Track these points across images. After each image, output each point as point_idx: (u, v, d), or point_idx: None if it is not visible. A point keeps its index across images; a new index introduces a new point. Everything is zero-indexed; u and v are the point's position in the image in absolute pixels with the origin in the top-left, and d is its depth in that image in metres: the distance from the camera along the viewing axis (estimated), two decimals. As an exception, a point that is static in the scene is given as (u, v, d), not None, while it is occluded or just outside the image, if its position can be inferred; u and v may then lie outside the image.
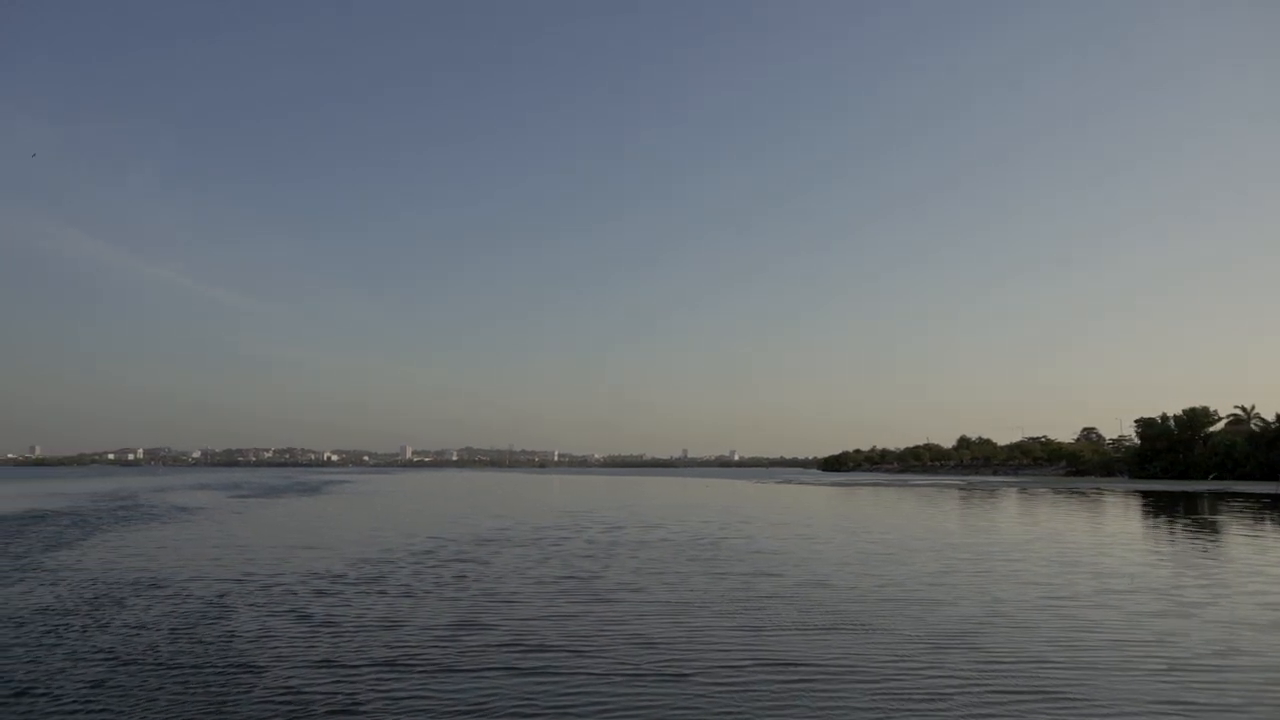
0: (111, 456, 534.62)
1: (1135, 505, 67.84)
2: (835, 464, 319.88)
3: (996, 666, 13.91)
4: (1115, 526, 45.98)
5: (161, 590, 21.53)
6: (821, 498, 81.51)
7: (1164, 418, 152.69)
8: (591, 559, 28.75)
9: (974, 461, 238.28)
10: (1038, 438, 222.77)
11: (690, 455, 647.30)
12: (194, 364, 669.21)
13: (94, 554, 29.57)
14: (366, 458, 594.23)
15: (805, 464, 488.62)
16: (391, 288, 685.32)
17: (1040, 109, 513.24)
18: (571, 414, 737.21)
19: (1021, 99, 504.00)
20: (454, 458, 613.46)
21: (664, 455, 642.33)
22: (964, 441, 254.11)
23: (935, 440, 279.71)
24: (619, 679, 13.09)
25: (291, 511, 56.94)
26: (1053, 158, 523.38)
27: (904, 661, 14.27)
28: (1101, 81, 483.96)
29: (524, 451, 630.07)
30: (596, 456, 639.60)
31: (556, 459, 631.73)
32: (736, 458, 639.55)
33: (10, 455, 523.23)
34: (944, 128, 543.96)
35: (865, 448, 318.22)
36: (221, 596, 20.51)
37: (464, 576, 24.13)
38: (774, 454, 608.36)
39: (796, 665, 13.97)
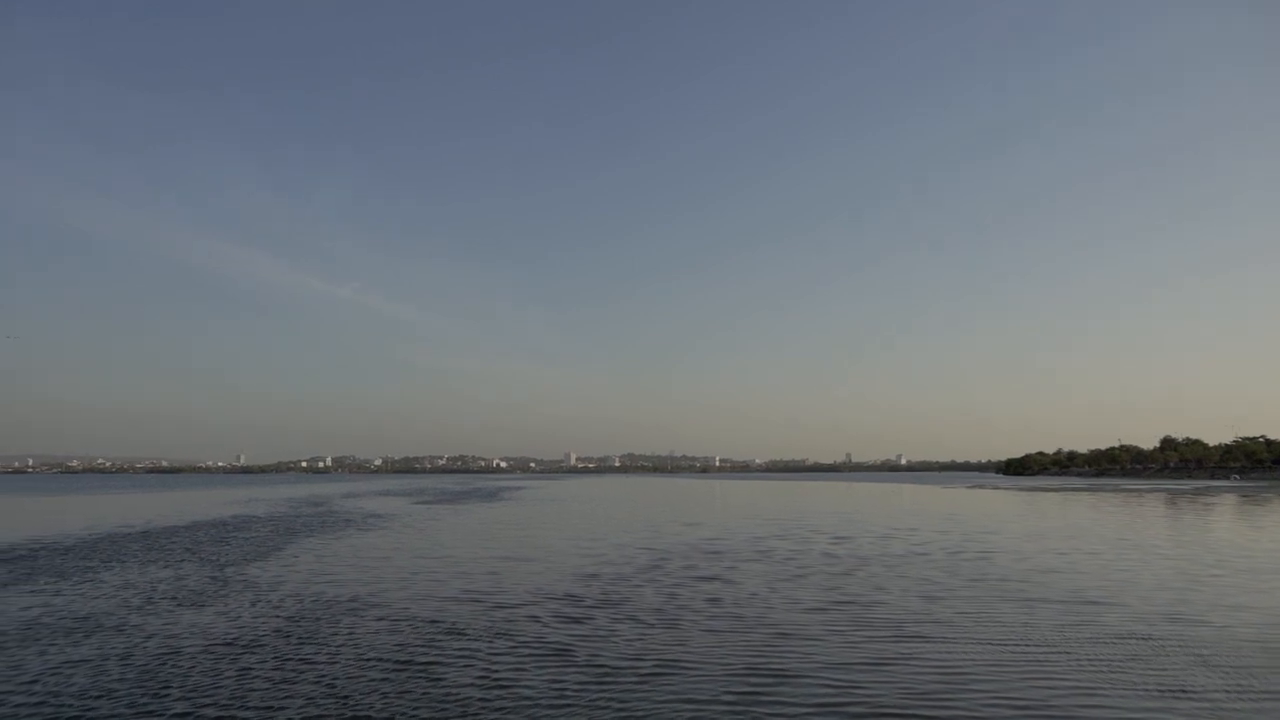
0: (304, 464, 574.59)
1: None
2: (1018, 467, 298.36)
3: None
4: None
5: (379, 611, 18.87)
6: (1043, 504, 73.25)
7: None
8: (847, 576, 24.42)
9: (1182, 464, 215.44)
10: (1255, 437, 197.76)
11: (854, 460, 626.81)
12: (375, 377, 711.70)
13: (299, 564, 27.90)
14: (533, 464, 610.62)
15: (980, 468, 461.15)
16: (558, 301, 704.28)
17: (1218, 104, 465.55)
18: (732, 419, 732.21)
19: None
20: (616, 463, 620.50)
21: (827, 460, 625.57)
22: (1168, 442, 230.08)
23: (1130, 442, 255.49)
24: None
25: (483, 518, 55.53)
26: (1232, 156, 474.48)
27: None
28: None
29: (684, 457, 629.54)
30: (758, 461, 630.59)
31: (718, 464, 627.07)
32: (904, 462, 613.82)
33: (220, 463, 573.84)
34: (1100, 120, 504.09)
35: (1039, 450, 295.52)
36: (453, 622, 17.54)
37: (717, 600, 20.32)
38: (943, 458, 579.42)
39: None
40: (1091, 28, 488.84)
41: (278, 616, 18.21)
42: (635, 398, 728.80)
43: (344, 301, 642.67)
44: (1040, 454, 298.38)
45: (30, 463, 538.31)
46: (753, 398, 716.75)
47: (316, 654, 14.62)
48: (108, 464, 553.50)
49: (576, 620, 17.71)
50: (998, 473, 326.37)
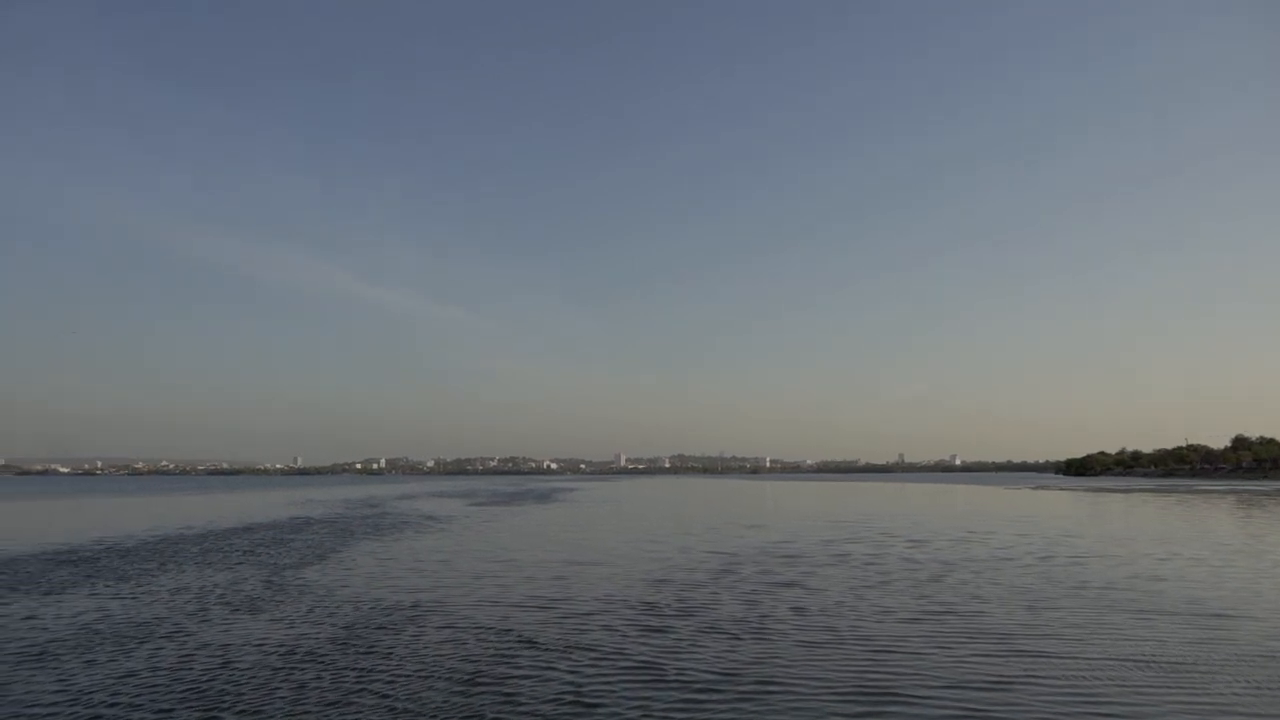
0: (359, 466, 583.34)
1: None
2: (1079, 468, 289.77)
3: None
4: None
5: (443, 619, 17.79)
6: (1117, 506, 70.12)
7: None
8: (935, 583, 22.86)
9: (1256, 464, 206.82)
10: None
11: (907, 460, 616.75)
12: (427, 379, 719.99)
13: (357, 568, 27.12)
14: (583, 465, 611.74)
15: (1037, 469, 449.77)
16: (607, 304, 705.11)
17: None
18: (781, 419, 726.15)
19: None
20: (666, 464, 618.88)
21: (879, 460, 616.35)
22: (1241, 441, 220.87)
23: (1196, 441, 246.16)
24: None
25: (539, 520, 54.70)
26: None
27: None
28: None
29: (734, 458, 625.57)
30: (809, 462, 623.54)
31: (768, 465, 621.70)
32: (958, 462, 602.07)
33: (278, 465, 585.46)
34: (1176, 113, 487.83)
35: (1100, 450, 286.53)
36: (524, 631, 16.41)
37: (803, 609, 18.92)
38: (998, 458, 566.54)
39: None
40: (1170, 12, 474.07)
41: (335, 624, 17.26)
42: (684, 398, 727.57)
43: (396, 306, 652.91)
44: (1102, 454, 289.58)
45: (99, 465, 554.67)
46: (802, 397, 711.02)
47: (377, 666, 13.59)
48: (171, 466, 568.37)
49: (656, 630, 16.47)
50: (1057, 473, 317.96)
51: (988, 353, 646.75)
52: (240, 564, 28.05)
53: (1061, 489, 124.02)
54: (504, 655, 14.37)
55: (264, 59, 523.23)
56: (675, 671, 13.21)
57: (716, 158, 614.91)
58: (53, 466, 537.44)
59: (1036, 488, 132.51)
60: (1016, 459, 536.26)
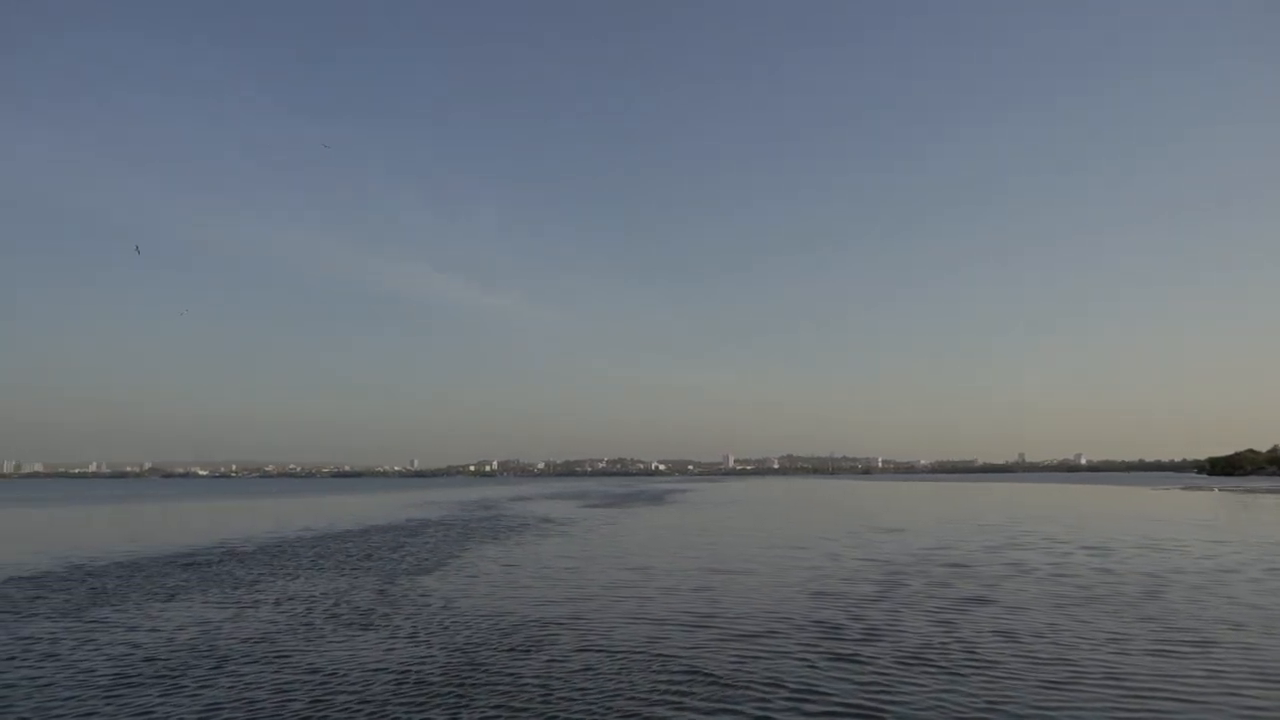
0: (472, 468, 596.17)
1: None
2: (1226, 466, 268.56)
3: None
4: None
5: (582, 639, 15.26)
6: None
7: None
8: (1151, 600, 19.19)
9: None
10: None
11: (1028, 459, 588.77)
12: (536, 382, 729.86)
13: (478, 576, 25.08)
14: (691, 466, 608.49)
15: (1174, 468, 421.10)
16: (713, 305, 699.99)
17: None
18: (894, 418, 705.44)
19: None
20: (774, 465, 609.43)
21: (998, 460, 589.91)
22: None
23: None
24: None
25: (659, 523, 52.28)
26: None
27: None
28: None
29: (845, 458, 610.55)
30: (922, 462, 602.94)
31: (880, 465, 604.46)
32: (1084, 461, 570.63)
33: (395, 467, 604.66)
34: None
35: (1248, 447, 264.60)
36: (689, 658, 13.73)
37: (1010, 634, 15.63)
38: (1129, 456, 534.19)
39: None
40: None
41: (453, 645, 14.93)
42: (792, 398, 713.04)
43: (504, 311, 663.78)
44: (1252, 451, 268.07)
45: (234, 467, 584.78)
46: (914, 394, 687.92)
47: (510, 704, 11.17)
48: (298, 468, 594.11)
49: (846, 660, 13.55)
50: (1199, 472, 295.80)
51: (1115, 347, 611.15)
52: (354, 570, 26.42)
53: (1220, 489, 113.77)
54: (670, 690, 11.74)
55: (371, 96, 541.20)
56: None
57: (813, 140, 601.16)
58: (193, 469, 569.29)
59: (1187, 488, 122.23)
60: (1149, 458, 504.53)
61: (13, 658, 14.31)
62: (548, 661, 13.63)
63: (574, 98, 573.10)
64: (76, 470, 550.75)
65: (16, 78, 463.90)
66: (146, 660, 13.99)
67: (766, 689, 11.77)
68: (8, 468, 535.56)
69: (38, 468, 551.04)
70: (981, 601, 19.22)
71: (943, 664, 13.23)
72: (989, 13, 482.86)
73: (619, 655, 14.04)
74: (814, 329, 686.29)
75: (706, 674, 12.66)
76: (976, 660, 13.48)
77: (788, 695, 11.42)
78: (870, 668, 12.97)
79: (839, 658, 13.65)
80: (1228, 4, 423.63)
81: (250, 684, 12.33)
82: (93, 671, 13.23)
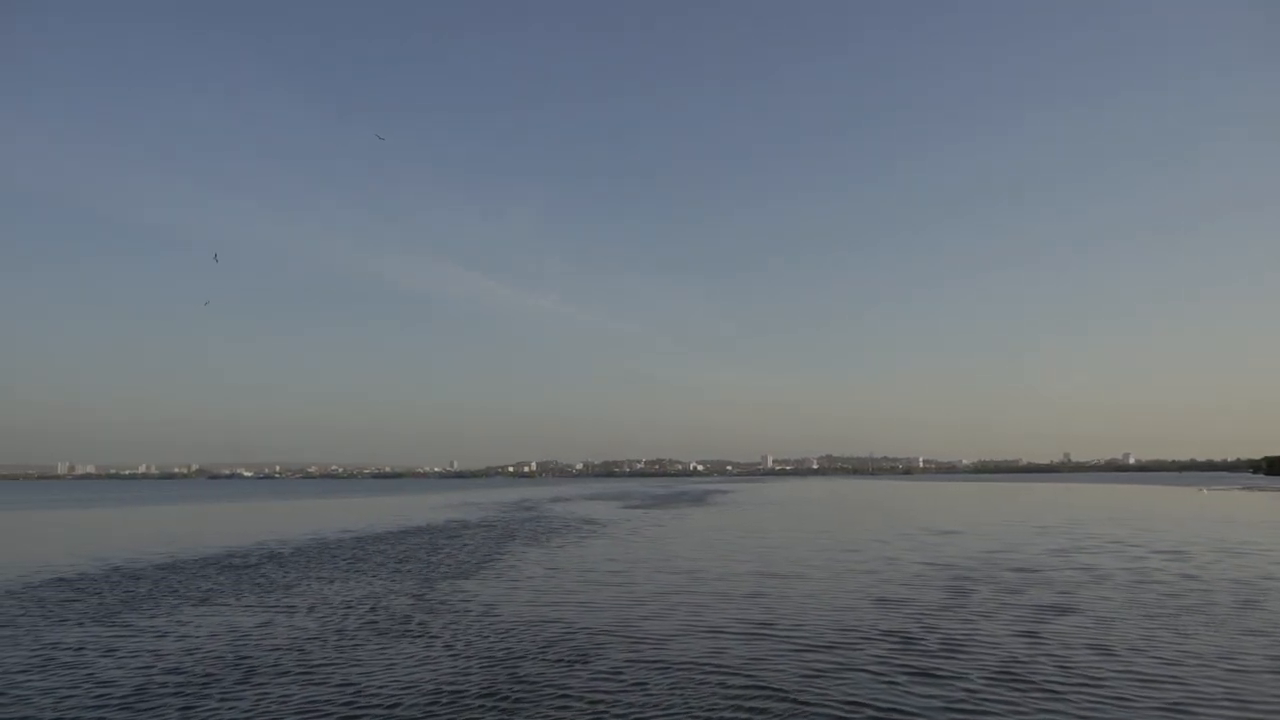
0: (510, 469, 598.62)
1: None
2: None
3: None
4: None
5: (636, 651, 14.11)
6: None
7: None
8: (1253, 610, 17.61)
9: None
10: None
11: (1074, 459, 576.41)
12: (572, 383, 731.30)
13: (520, 580, 24.08)
14: (729, 467, 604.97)
15: (1227, 468, 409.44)
16: (751, 304, 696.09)
17: None
18: (935, 417, 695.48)
19: None
20: (814, 465, 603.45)
21: (1042, 460, 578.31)
22: None
23: None
24: None
25: (703, 524, 51.02)
26: None
27: None
28: None
29: (885, 458, 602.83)
30: (965, 462, 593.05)
31: (921, 465, 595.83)
32: (1132, 461, 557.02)
33: (435, 468, 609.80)
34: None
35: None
36: (756, 671, 12.54)
37: (1104, 648, 14.17)
38: (1179, 456, 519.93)
39: None
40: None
41: (494, 657, 13.84)
42: (830, 397, 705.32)
43: (544, 313, 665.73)
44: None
45: (278, 468, 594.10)
46: (956, 393, 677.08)
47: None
48: (340, 469, 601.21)
49: (929, 676, 12.22)
50: (1255, 472, 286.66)
51: (1163, 344, 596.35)
52: (391, 574, 25.53)
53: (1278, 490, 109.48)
54: (737, 710, 10.55)
55: (410, 96, 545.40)
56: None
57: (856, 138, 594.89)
58: (238, 470, 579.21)
59: (1246, 488, 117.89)
60: (1201, 457, 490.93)
61: (30, 668, 13.54)
62: (597, 676, 12.52)
63: (606, 96, 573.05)
64: (127, 472, 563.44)
65: (70, 69, 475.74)
66: (170, 672, 13.12)
67: (846, 709, 10.54)
68: (62, 469, 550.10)
69: (90, 469, 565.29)
70: (1062, 610, 17.74)
71: (1038, 682, 11.88)
72: (1030, 11, 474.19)
73: (675, 668, 12.88)
74: (854, 327, 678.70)
75: (775, 690, 11.45)
76: (1074, 677, 12.10)
77: (872, 718, 10.17)
78: (957, 685, 11.66)
79: (920, 673, 12.34)
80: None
81: (275, 700, 11.39)
82: (111, 684, 12.38)
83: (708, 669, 12.82)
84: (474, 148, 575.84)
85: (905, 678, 12.09)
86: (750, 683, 11.96)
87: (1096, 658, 13.39)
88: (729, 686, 11.78)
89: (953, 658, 13.40)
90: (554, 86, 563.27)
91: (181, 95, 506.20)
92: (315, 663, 13.60)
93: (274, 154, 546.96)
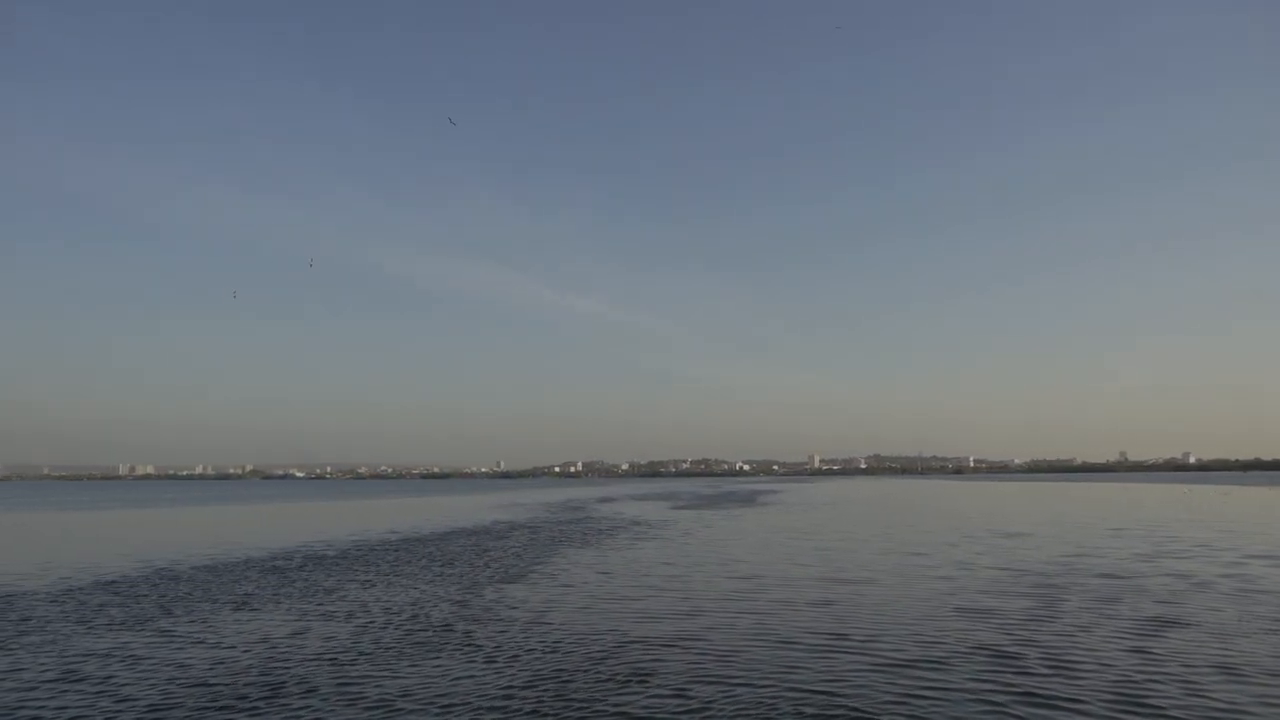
0: (557, 469, 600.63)
1: None
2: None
3: None
4: None
5: (704, 665, 12.72)
6: None
7: None
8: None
9: None
10: None
11: (1130, 458, 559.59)
12: (618, 384, 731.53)
13: (571, 584, 22.89)
14: (776, 467, 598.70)
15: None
16: (796, 302, 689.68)
17: None
18: (986, 416, 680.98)
19: None
20: (861, 465, 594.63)
21: (1097, 459, 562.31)
22: None
23: None
24: None
25: (757, 525, 49.43)
26: None
27: None
28: None
29: (934, 458, 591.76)
30: (1017, 461, 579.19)
31: (971, 464, 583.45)
32: (1193, 460, 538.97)
33: (483, 469, 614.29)
34: None
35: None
36: (844, 693, 11.04)
37: (1233, 669, 12.41)
38: (1242, 455, 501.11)
39: None
40: None
41: (542, 672, 12.61)
42: (878, 396, 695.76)
43: (587, 313, 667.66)
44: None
45: (329, 469, 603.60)
46: (1008, 391, 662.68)
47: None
48: (389, 470, 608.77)
49: (1044, 702, 10.62)
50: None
51: (1224, 340, 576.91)
52: (435, 578, 24.43)
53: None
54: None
55: (455, 89, 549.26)
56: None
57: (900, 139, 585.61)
58: (290, 471, 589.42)
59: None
60: (1266, 456, 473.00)
61: (49, 681, 12.61)
62: (656, 696, 11.20)
63: (654, 89, 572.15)
64: (184, 472, 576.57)
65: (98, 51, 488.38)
66: (195, 686, 12.09)
67: (952, 745, 9.07)
68: (123, 470, 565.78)
69: (149, 470, 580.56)
70: (1170, 624, 15.97)
71: (1166, 708, 10.27)
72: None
73: (744, 687, 11.51)
74: (902, 324, 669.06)
75: (859, 712, 10.03)
76: (1207, 704, 10.46)
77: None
78: (1078, 711, 10.10)
79: (1031, 696, 10.79)
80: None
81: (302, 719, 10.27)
82: (127, 700, 11.37)
83: (781, 688, 11.43)
84: (522, 149, 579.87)
85: (1016, 703, 10.54)
86: (831, 703, 10.55)
87: (1226, 681, 11.70)
88: (807, 708, 10.37)
89: (1059, 678, 11.81)
90: (603, 82, 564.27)
91: (226, 92, 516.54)
92: (348, 678, 12.46)
93: (315, 152, 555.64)
